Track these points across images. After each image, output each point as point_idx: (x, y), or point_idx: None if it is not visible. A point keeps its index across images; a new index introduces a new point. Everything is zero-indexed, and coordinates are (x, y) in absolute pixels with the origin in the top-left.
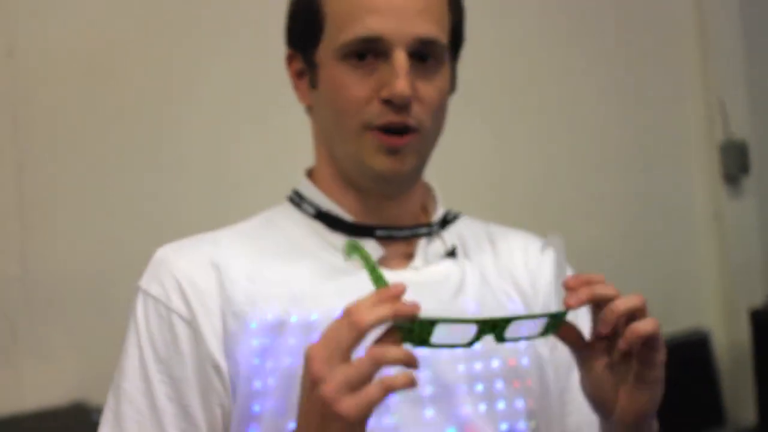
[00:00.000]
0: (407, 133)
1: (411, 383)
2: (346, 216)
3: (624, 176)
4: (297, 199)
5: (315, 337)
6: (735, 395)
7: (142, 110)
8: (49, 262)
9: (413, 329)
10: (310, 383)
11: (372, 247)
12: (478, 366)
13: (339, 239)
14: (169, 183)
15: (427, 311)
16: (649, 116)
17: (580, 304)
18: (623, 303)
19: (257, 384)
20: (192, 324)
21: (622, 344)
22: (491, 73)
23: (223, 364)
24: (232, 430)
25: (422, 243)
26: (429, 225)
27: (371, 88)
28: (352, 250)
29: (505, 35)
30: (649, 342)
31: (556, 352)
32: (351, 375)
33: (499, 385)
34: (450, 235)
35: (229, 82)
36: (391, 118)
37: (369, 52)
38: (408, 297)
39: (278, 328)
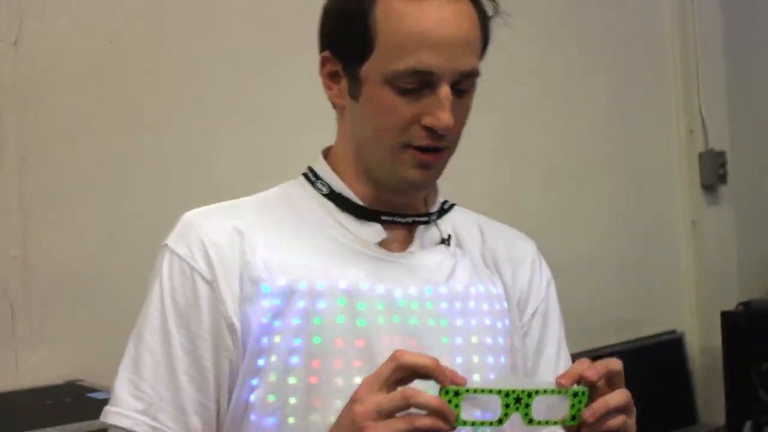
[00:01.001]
0: (440, 151)
1: (438, 429)
2: (356, 200)
3: (607, 184)
4: (312, 177)
5: (320, 302)
6: (706, 396)
7: (145, 102)
8: (48, 247)
9: (440, 394)
10: (351, 401)
11: (377, 231)
12: (458, 340)
13: (346, 219)
14: (168, 173)
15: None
16: (633, 128)
17: (600, 377)
18: (613, 399)
19: (264, 340)
20: (212, 285)
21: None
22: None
23: (236, 323)
24: (239, 381)
25: (420, 230)
26: (428, 214)
27: (414, 113)
28: None
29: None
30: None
31: (527, 339)
32: (382, 403)
33: (476, 359)
34: (445, 225)
35: (231, 82)
36: (430, 142)
37: (416, 80)
38: (403, 277)
39: (288, 293)
